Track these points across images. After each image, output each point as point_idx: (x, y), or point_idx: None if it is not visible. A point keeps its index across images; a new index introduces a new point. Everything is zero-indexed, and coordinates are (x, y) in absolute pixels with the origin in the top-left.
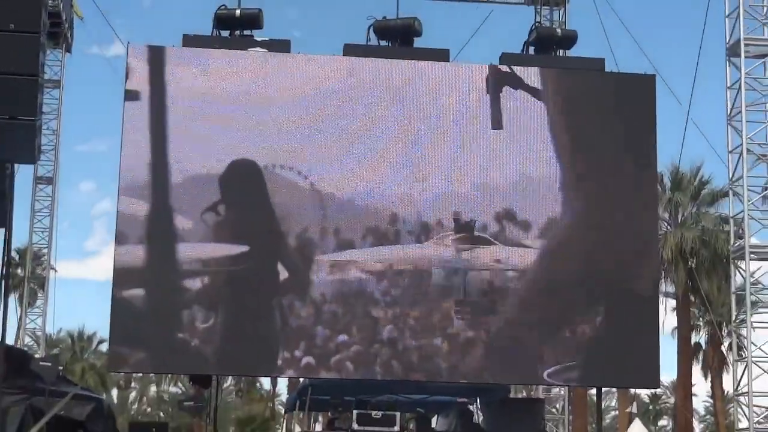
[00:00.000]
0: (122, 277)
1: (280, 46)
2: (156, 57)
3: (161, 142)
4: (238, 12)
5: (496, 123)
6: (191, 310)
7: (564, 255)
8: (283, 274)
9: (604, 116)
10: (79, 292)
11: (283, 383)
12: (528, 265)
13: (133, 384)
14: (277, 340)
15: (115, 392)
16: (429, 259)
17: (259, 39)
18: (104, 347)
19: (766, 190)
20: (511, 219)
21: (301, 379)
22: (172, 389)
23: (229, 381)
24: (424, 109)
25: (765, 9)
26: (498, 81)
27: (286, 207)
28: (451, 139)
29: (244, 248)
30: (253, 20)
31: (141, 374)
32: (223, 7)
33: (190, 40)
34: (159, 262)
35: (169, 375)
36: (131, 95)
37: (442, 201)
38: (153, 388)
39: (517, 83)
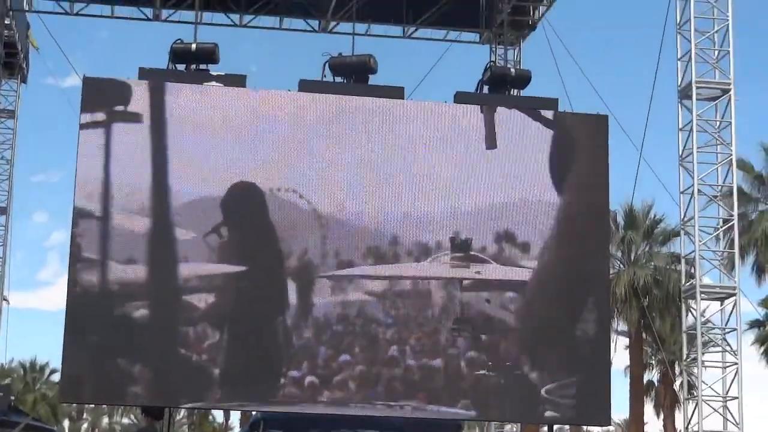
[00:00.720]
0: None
1: (236, 80)
2: (156, 84)
3: (162, 165)
4: (194, 46)
5: (491, 143)
6: (195, 329)
7: (533, 288)
8: (285, 294)
9: (559, 154)
10: (32, 323)
11: (235, 416)
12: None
13: (85, 415)
14: (280, 359)
15: (66, 423)
16: (429, 280)
17: (214, 73)
18: (56, 378)
19: (717, 230)
20: (510, 240)
21: (254, 413)
22: (125, 420)
23: (182, 413)
24: (420, 133)
25: (716, 53)
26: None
27: (287, 229)
28: (449, 160)
29: (246, 269)
30: (209, 54)
31: (93, 405)
32: (179, 41)
33: (146, 74)
34: (160, 281)
35: (122, 406)
36: (132, 117)
37: (440, 222)
38: (105, 420)
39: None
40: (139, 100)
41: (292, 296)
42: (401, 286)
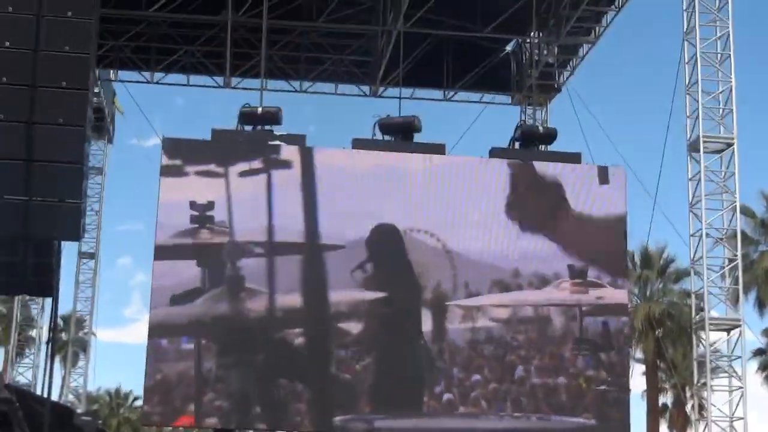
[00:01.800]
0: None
1: (296, 139)
2: (305, 146)
3: (313, 212)
4: (260, 110)
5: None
6: (347, 351)
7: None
8: (424, 322)
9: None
10: (117, 355)
11: None
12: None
13: None
14: (421, 378)
15: None
16: (548, 306)
17: (278, 134)
18: (138, 403)
19: (723, 269)
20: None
21: None
22: None
23: None
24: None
25: (721, 111)
26: None
27: (423, 264)
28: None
29: (388, 298)
30: (273, 117)
31: (170, 427)
32: (246, 105)
33: (218, 134)
34: (314, 309)
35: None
36: (283, 164)
37: (553, 255)
38: None
39: None
40: (290, 158)
41: (429, 323)
42: (524, 312)
